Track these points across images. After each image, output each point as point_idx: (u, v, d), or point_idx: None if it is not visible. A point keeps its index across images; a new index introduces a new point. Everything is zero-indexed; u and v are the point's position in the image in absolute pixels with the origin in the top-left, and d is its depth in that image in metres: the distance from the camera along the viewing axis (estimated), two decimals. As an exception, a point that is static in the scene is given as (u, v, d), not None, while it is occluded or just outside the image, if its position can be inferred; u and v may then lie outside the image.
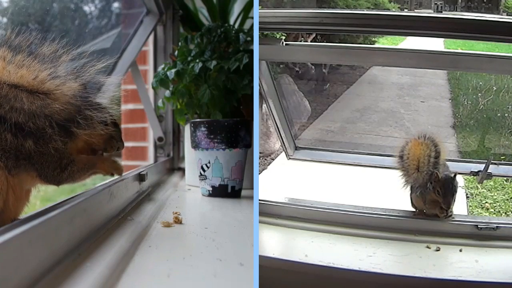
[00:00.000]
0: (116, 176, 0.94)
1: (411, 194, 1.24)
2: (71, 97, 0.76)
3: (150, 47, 2.00)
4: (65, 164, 0.78)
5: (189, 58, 1.49)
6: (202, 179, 1.31)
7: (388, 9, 4.00)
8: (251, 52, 1.43)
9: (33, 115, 0.72)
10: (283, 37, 2.08)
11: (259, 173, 2.24)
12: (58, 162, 0.77)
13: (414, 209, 1.25)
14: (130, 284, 0.59)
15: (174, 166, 1.88)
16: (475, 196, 2.68)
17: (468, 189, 2.72)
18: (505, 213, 2.57)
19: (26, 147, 0.72)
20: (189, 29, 1.91)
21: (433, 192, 1.16)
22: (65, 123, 0.75)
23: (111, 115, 0.82)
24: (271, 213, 1.29)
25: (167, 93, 1.57)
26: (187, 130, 1.55)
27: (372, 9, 3.86)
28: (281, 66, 3.55)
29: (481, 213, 2.56)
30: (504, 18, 1.28)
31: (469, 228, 1.17)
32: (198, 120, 1.33)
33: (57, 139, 0.74)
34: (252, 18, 1.74)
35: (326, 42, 3.06)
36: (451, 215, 1.18)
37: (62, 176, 0.78)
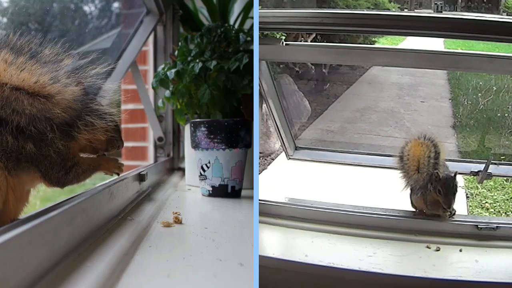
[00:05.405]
0: (115, 176, 0.95)
1: (411, 196, 1.24)
2: (71, 101, 0.76)
3: (150, 47, 2.00)
4: (70, 166, 0.78)
5: (189, 58, 1.49)
6: (202, 179, 1.31)
7: (388, 9, 4.00)
8: (251, 52, 1.43)
9: (34, 118, 0.72)
10: (283, 37, 2.08)
11: (259, 173, 2.24)
12: (62, 164, 0.77)
13: (414, 209, 1.25)
14: (130, 284, 0.59)
15: (174, 166, 1.88)
16: (475, 196, 2.68)
17: (468, 189, 2.72)
18: (505, 213, 2.57)
19: (27, 149, 0.72)
20: (189, 29, 1.91)
21: (434, 192, 1.16)
22: (65, 127, 0.75)
23: (111, 121, 0.82)
24: (271, 213, 1.29)
25: (167, 93, 1.57)
26: (187, 130, 1.55)
27: (372, 9, 3.86)
28: (281, 66, 3.55)
29: (481, 213, 2.56)
30: (504, 18, 1.28)
31: (469, 228, 1.17)
32: (198, 120, 1.33)
33: (58, 143, 0.74)
34: (252, 18, 1.74)
35: (326, 42, 3.06)
36: (454, 213, 1.18)
37: (67, 178, 0.78)
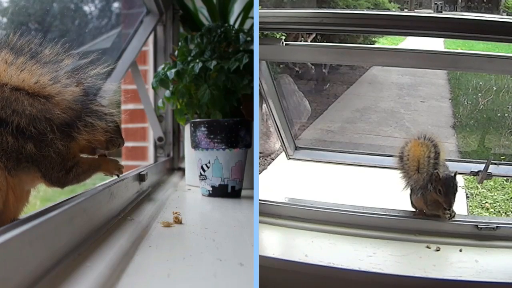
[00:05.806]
0: (115, 177, 0.95)
1: (411, 196, 1.24)
2: (71, 102, 0.76)
3: (150, 47, 2.01)
4: (70, 166, 0.78)
5: (189, 58, 1.49)
6: (202, 179, 1.31)
7: (388, 9, 4.00)
8: (251, 52, 1.43)
9: (34, 118, 0.72)
10: (283, 37, 2.08)
11: (259, 173, 2.24)
12: (62, 165, 0.77)
13: (414, 209, 1.25)
14: (130, 284, 0.59)
15: (174, 166, 1.88)
16: (475, 196, 2.68)
17: (468, 189, 2.72)
18: (505, 213, 2.57)
19: (27, 150, 0.72)
20: (189, 29, 1.91)
21: (434, 192, 1.16)
22: (65, 128, 0.75)
23: (111, 121, 0.82)
24: (271, 213, 1.29)
25: (167, 93, 1.57)
26: (187, 130, 1.55)
27: (372, 9, 3.86)
28: (281, 66, 3.55)
29: (481, 213, 2.56)
30: (504, 18, 1.28)
31: (469, 228, 1.17)
32: (198, 120, 1.33)
33: (58, 143, 0.74)
34: (252, 18, 1.74)
35: (326, 42, 3.06)
36: (454, 216, 1.18)
37: (67, 178, 0.78)
